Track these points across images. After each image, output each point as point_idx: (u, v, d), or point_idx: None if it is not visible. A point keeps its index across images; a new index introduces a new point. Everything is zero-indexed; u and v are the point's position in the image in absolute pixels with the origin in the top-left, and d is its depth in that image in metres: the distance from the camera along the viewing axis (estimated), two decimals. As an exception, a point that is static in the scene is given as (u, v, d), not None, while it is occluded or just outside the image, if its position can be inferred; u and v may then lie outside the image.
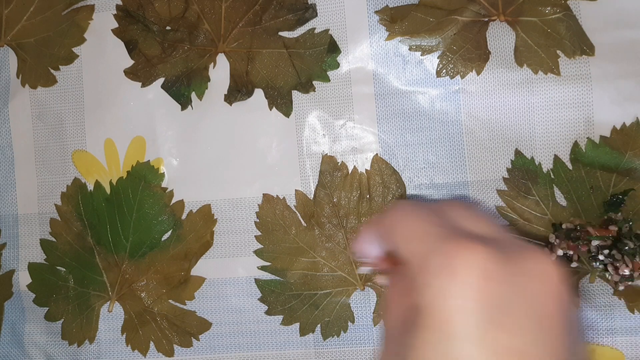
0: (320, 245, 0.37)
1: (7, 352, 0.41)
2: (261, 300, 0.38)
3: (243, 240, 0.39)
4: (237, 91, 0.38)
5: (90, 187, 0.40)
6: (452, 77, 0.37)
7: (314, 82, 0.38)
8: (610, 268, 0.34)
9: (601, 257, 0.34)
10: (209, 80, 0.39)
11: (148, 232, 0.39)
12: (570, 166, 0.36)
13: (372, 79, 0.38)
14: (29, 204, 0.41)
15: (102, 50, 0.40)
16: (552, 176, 0.36)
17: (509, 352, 0.21)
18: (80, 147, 0.40)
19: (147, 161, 0.39)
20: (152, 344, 0.39)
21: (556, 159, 0.36)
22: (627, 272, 0.33)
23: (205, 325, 0.39)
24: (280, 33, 0.38)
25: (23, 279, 0.40)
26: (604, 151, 0.35)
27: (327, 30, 0.38)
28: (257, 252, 0.38)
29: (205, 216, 0.39)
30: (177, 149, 0.39)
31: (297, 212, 0.38)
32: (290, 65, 0.38)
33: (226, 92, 0.38)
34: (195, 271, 0.39)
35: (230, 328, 0.39)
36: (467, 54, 0.36)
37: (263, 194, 0.38)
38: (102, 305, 0.39)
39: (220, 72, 0.39)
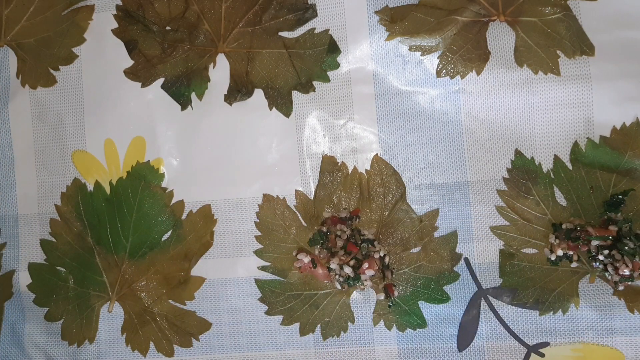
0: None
1: (7, 352, 0.41)
2: (261, 300, 0.38)
3: (243, 240, 0.39)
4: (237, 91, 0.38)
5: (90, 187, 0.40)
6: (452, 77, 0.37)
7: (314, 82, 0.38)
8: (610, 268, 0.34)
9: (601, 257, 0.34)
10: (209, 80, 0.39)
11: (148, 232, 0.39)
12: (570, 166, 0.36)
13: (372, 79, 0.38)
14: (29, 204, 0.41)
15: (102, 50, 0.40)
16: (552, 176, 0.36)
17: None
18: (80, 147, 0.40)
19: (147, 161, 0.39)
20: (152, 344, 0.39)
21: (556, 159, 0.36)
22: (627, 272, 0.33)
23: (205, 325, 0.39)
24: (280, 33, 0.38)
25: (23, 279, 0.40)
26: (604, 151, 0.35)
27: (327, 31, 0.38)
28: (257, 252, 0.38)
29: (205, 216, 0.39)
30: (177, 149, 0.39)
31: (297, 212, 0.38)
32: (290, 65, 0.38)
33: (226, 92, 0.38)
34: (195, 271, 0.39)
35: (230, 328, 0.39)
36: (467, 54, 0.36)
37: (263, 194, 0.38)
38: (102, 306, 0.39)
39: (220, 72, 0.39)
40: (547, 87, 0.36)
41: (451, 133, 0.37)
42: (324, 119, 0.38)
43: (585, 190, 0.35)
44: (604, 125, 0.35)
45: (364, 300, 0.38)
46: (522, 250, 0.36)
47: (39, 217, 0.40)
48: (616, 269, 0.34)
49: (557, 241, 0.35)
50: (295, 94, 0.38)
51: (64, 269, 0.40)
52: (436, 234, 0.37)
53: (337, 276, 0.36)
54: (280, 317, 0.38)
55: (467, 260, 0.37)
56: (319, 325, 0.38)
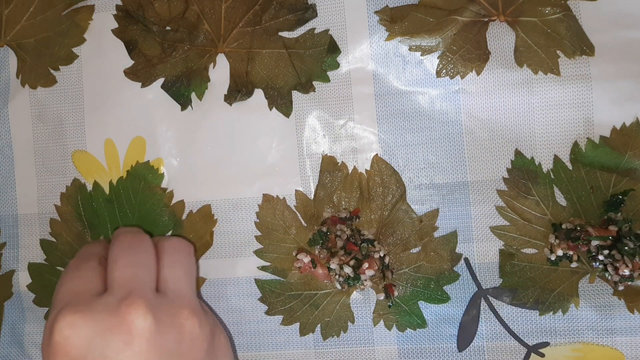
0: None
1: (7, 352, 0.41)
2: (261, 300, 0.38)
3: (243, 240, 0.39)
4: (237, 91, 0.38)
5: (90, 187, 0.40)
6: (452, 77, 0.37)
7: (314, 82, 0.38)
8: (610, 268, 0.34)
9: (601, 257, 0.34)
10: (209, 80, 0.39)
11: (149, 232, 0.39)
12: (570, 166, 0.36)
13: (372, 79, 0.38)
14: (28, 204, 0.41)
15: (102, 50, 0.40)
16: (552, 176, 0.36)
17: None
18: (80, 147, 0.40)
19: (147, 161, 0.39)
20: (152, 344, 0.39)
21: (556, 159, 0.36)
22: (627, 272, 0.33)
23: (205, 325, 0.39)
24: (280, 33, 0.38)
25: (23, 279, 0.40)
26: (604, 151, 0.35)
27: (327, 31, 0.38)
28: (257, 252, 0.38)
29: (205, 216, 0.39)
30: (177, 149, 0.39)
31: (297, 212, 0.38)
32: (290, 65, 0.38)
33: (226, 92, 0.38)
34: (195, 271, 0.39)
35: (230, 328, 0.39)
36: (467, 54, 0.36)
37: (263, 194, 0.38)
38: (102, 306, 0.39)
39: (220, 72, 0.39)
40: (547, 87, 0.36)
41: (451, 133, 0.37)
42: (324, 119, 0.38)
43: (585, 190, 0.36)
44: (604, 125, 0.35)
45: (364, 300, 0.38)
46: (522, 250, 0.36)
47: (38, 217, 0.40)
48: (616, 269, 0.34)
49: (557, 241, 0.35)
50: (295, 94, 0.38)
51: (64, 269, 0.40)
52: (436, 234, 0.37)
53: (337, 276, 0.36)
54: (280, 317, 0.38)
55: (467, 260, 0.37)
56: (319, 325, 0.38)
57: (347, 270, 0.35)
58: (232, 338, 0.39)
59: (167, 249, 0.34)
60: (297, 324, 0.38)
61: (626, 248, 0.33)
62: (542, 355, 0.36)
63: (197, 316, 0.31)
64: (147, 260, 0.32)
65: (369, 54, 0.37)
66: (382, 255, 0.36)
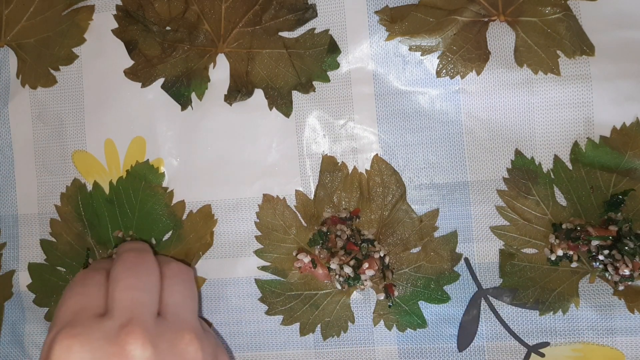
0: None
1: (7, 352, 0.41)
2: (261, 300, 0.38)
3: (243, 240, 0.39)
4: (237, 91, 0.38)
5: (91, 187, 0.40)
6: (452, 77, 0.37)
7: (314, 82, 0.38)
8: (610, 268, 0.34)
9: (601, 257, 0.34)
10: (209, 80, 0.39)
11: (149, 232, 0.39)
12: (570, 166, 0.36)
13: (372, 79, 0.38)
14: (28, 205, 0.41)
15: (102, 50, 0.40)
16: (552, 176, 0.36)
17: None
18: (80, 147, 0.40)
19: (147, 160, 0.39)
20: (152, 344, 0.39)
21: (556, 159, 0.36)
22: (627, 272, 0.33)
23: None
24: (280, 33, 0.38)
25: (23, 279, 0.40)
26: (604, 151, 0.35)
27: (327, 31, 0.38)
28: (257, 252, 0.38)
29: (206, 216, 0.39)
30: (177, 149, 0.39)
31: (297, 212, 0.38)
32: (290, 65, 0.38)
33: (226, 92, 0.38)
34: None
35: (231, 328, 0.39)
36: (467, 54, 0.36)
37: (263, 194, 0.38)
38: (102, 306, 0.39)
39: (220, 72, 0.39)
40: (547, 87, 0.36)
41: (451, 133, 0.37)
42: (324, 119, 0.38)
43: (585, 190, 0.36)
44: (604, 125, 0.35)
45: (364, 300, 0.38)
46: (522, 250, 0.36)
47: (39, 217, 0.40)
48: (616, 269, 0.34)
49: (557, 241, 0.35)
50: (295, 94, 0.38)
51: (64, 269, 0.40)
52: (436, 234, 0.37)
53: (337, 276, 0.36)
54: (281, 317, 0.38)
55: (467, 260, 0.37)
56: (319, 325, 0.38)
57: (347, 270, 0.35)
58: (232, 338, 0.39)
59: (167, 274, 0.33)
60: (297, 324, 0.38)
61: (626, 248, 0.33)
62: (542, 355, 0.36)
63: (199, 340, 0.31)
64: (149, 282, 0.32)
65: (369, 54, 0.37)
66: (382, 255, 0.36)
